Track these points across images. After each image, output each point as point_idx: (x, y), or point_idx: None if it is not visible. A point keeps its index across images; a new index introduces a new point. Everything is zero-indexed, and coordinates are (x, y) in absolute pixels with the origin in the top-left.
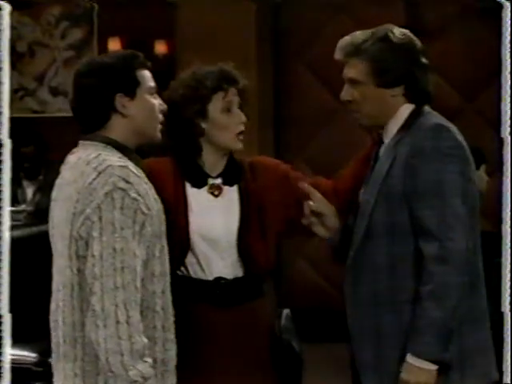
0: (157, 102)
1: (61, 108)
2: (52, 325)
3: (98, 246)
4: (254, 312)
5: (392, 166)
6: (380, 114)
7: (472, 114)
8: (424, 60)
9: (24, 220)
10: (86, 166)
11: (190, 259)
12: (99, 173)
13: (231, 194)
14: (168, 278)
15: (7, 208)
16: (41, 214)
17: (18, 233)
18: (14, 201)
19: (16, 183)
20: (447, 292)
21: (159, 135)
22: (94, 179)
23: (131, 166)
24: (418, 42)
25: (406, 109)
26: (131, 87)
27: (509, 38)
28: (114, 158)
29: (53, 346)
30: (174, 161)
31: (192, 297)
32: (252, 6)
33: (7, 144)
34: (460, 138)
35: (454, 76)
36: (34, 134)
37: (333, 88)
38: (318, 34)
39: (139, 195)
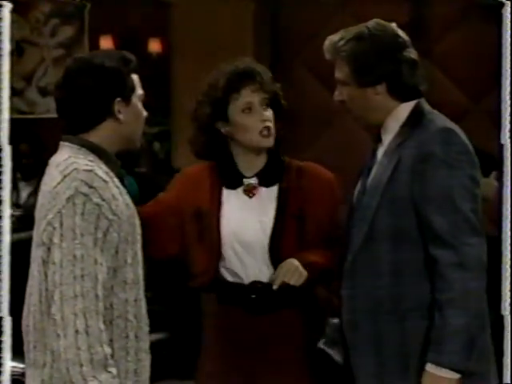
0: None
1: (50, 109)
2: (24, 330)
3: (58, 253)
4: (287, 322)
5: (396, 170)
6: (368, 113)
7: (479, 115)
8: (408, 53)
9: (11, 225)
10: (55, 169)
11: (225, 262)
12: (64, 176)
13: (268, 194)
14: (141, 286)
15: (7, 211)
16: (29, 219)
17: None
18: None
19: (12, 185)
20: (469, 299)
21: (139, 144)
22: (59, 183)
23: (100, 170)
24: (400, 36)
25: (406, 107)
26: (128, 93)
27: (509, 37)
28: (82, 162)
29: (25, 351)
30: (213, 165)
31: (226, 300)
32: (250, 5)
33: (6, 147)
34: (467, 141)
35: (460, 76)
36: (29, 132)
37: (333, 88)
38: (317, 34)
39: (103, 200)
